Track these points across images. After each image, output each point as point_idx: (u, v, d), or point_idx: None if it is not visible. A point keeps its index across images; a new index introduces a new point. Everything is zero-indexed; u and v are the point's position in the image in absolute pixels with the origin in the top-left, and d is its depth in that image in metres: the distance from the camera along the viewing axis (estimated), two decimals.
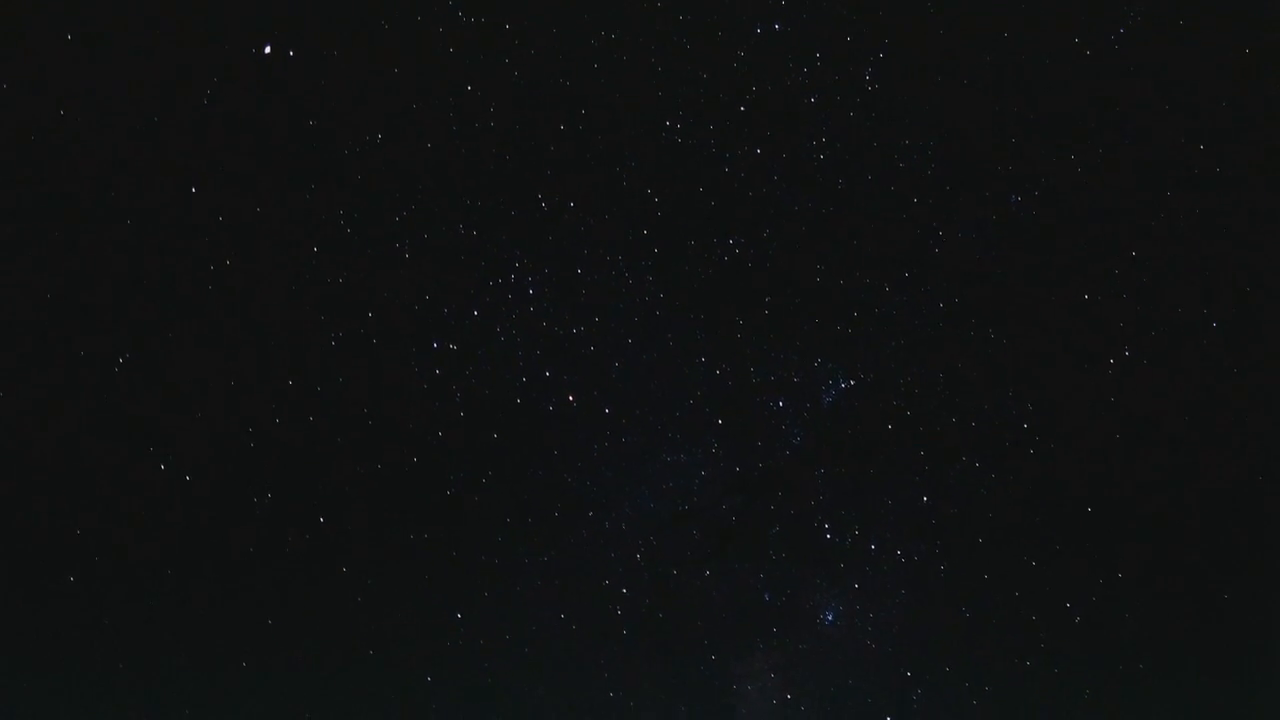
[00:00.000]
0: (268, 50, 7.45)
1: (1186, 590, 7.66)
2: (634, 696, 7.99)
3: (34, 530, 7.80)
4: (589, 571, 7.97)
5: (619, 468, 7.94)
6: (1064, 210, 7.58)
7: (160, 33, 7.47)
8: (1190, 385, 7.52)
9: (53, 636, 7.89)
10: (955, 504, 7.76)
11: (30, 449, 7.72)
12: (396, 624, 7.97)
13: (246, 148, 7.64)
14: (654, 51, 7.61)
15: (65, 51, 7.44)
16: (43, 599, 7.85)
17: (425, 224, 7.73)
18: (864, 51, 7.58)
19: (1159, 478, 7.59)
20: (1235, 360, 7.48)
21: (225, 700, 7.92)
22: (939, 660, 7.85)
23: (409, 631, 7.99)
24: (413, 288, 7.78)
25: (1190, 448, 7.54)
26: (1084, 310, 7.58)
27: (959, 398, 7.70)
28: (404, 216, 7.71)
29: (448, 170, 7.72)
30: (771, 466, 7.88)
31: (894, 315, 7.78)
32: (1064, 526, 7.65)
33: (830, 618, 8.00)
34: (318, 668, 7.96)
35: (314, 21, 7.53)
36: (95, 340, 7.67)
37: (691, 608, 7.99)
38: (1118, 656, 7.69)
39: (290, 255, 7.72)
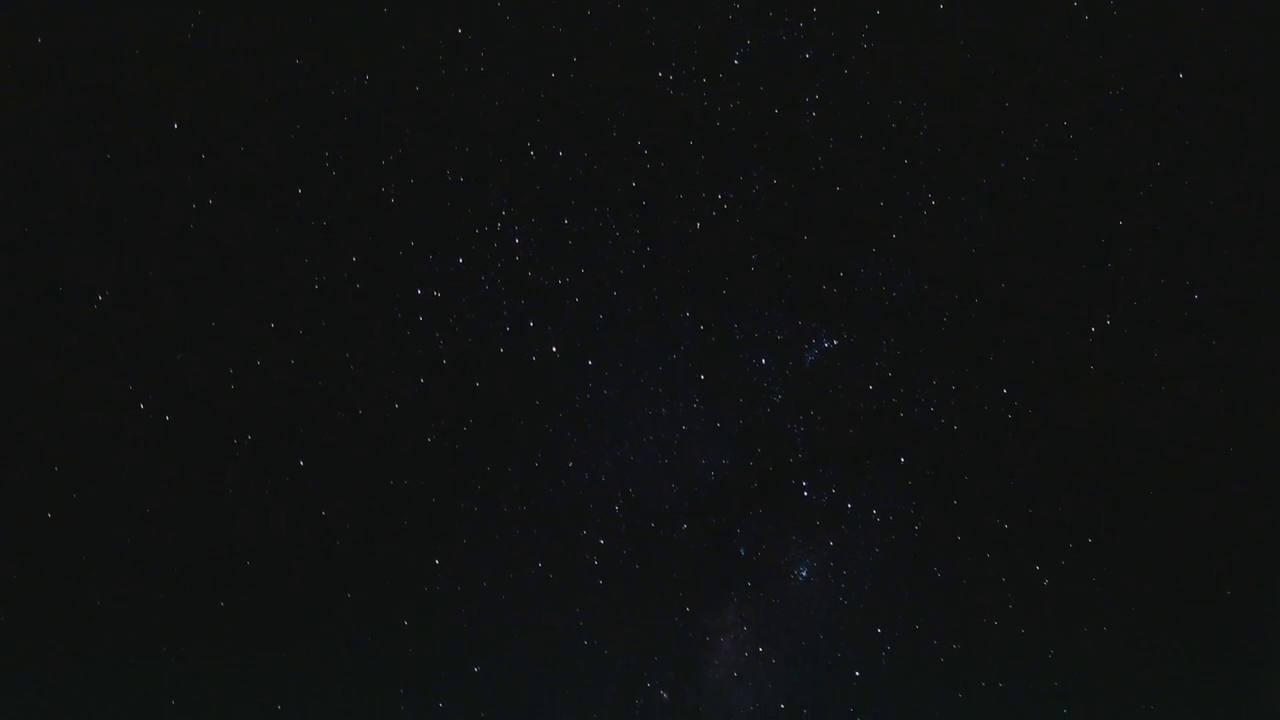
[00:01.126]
0: None
1: (1156, 551, 7.80)
2: (608, 646, 8.09)
3: None
4: (567, 522, 8.02)
5: (600, 420, 7.96)
6: (1054, 178, 7.59)
7: None
8: (1173, 351, 7.59)
9: None
10: (932, 466, 7.86)
11: None
12: (373, 570, 8.01)
13: (226, 87, 7.54)
14: (646, 1, 7.54)
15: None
16: None
17: (411, 170, 7.66)
18: (859, 9, 7.52)
19: (1134, 440, 7.70)
20: (1212, 326, 7.57)
21: (201, 638, 7.96)
22: (909, 619, 7.99)
23: (386, 577, 8.03)
24: (397, 233, 7.72)
25: (1167, 408, 7.64)
26: (1068, 277, 7.63)
27: (941, 361, 7.76)
28: (390, 162, 7.63)
29: (435, 117, 7.64)
30: (752, 423, 7.94)
31: (880, 277, 7.80)
32: (1037, 490, 7.77)
33: (804, 574, 8.11)
34: (294, 609, 8.00)
35: None
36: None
37: (667, 560, 8.07)
38: (1084, 618, 7.84)
39: (274, 199, 7.64)
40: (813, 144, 7.67)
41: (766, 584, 8.10)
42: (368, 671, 8.04)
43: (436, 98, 7.62)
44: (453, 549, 8.00)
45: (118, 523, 7.79)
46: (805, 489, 7.98)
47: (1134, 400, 7.67)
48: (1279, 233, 7.48)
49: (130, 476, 7.78)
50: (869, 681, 7.99)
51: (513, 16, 7.53)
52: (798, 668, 8.10)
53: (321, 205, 7.65)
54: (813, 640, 8.06)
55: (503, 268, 7.77)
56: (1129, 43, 7.45)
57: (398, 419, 7.87)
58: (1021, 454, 7.76)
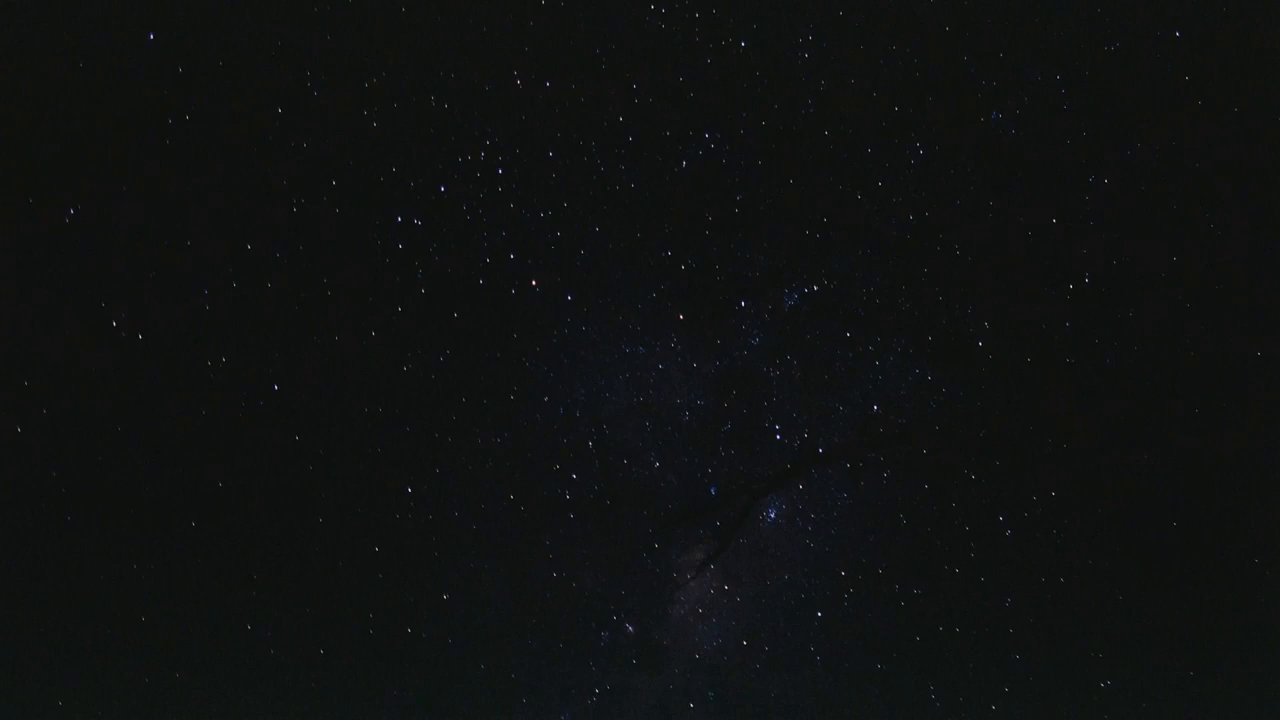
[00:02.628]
0: None
1: (1118, 496, 7.90)
2: (576, 578, 8.20)
3: None
4: (541, 455, 8.06)
5: (577, 355, 7.97)
6: (1044, 130, 7.54)
7: None
8: (1155, 313, 7.61)
9: None
10: (904, 415, 7.92)
11: None
12: (345, 498, 8.03)
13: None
14: None
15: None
16: None
17: (395, 95, 7.53)
18: None
19: (1100, 396, 7.76)
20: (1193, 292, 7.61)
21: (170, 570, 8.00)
22: (873, 563, 8.12)
23: (357, 504, 8.06)
24: (379, 158, 7.61)
25: (1142, 369, 7.69)
26: (1050, 231, 7.62)
27: (919, 311, 7.78)
28: (374, 85, 7.49)
29: (420, 43, 7.49)
30: (728, 365, 7.96)
31: (863, 225, 7.77)
32: (1007, 442, 7.84)
33: (772, 515, 8.22)
34: (266, 534, 8.04)
35: None
36: None
37: (638, 497, 8.15)
38: (1045, 565, 7.97)
39: (255, 121, 7.50)
40: (802, 86, 7.58)
41: (735, 524, 8.20)
42: (336, 596, 8.11)
43: (422, 22, 7.46)
44: (425, 478, 8.03)
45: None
46: (778, 432, 8.05)
47: (1111, 353, 7.71)
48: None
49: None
50: (830, 622, 8.14)
51: None
52: (761, 607, 8.25)
53: (304, 128, 7.51)
54: (778, 581, 8.20)
55: (485, 198, 7.69)
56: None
57: (373, 346, 7.84)
58: (995, 406, 7.82)
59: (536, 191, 7.70)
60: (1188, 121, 7.44)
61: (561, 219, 7.75)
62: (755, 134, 7.66)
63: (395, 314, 7.81)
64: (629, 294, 7.89)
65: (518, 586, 8.19)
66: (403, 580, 8.10)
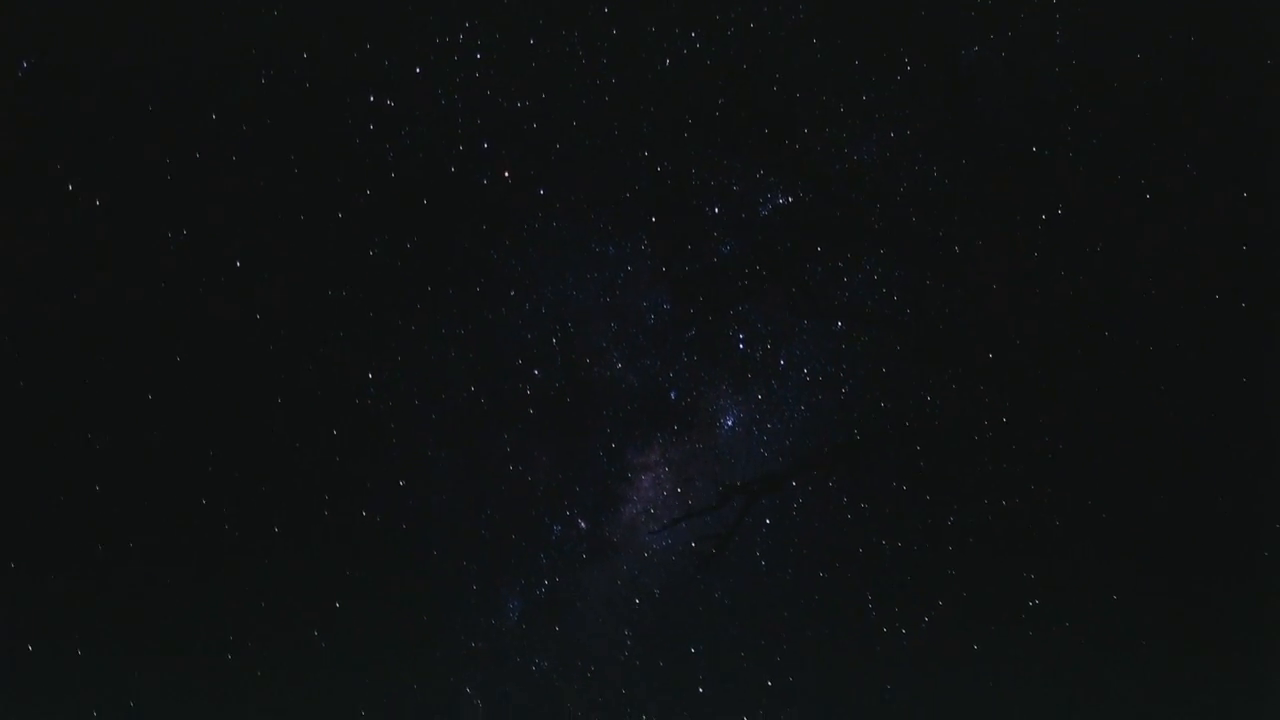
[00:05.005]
0: None
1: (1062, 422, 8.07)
2: (532, 472, 8.29)
3: None
4: (504, 349, 8.05)
5: (546, 250, 7.89)
6: (1030, 62, 7.47)
7: None
8: (1142, 275, 7.61)
9: None
10: (867, 331, 7.99)
11: None
12: (304, 376, 7.98)
13: None
14: None
15: None
16: None
17: None
18: None
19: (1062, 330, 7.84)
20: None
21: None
22: (824, 475, 8.27)
23: (317, 385, 8.01)
24: (351, 35, 7.35)
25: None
26: (1033, 159, 7.59)
27: (893, 229, 7.77)
28: None
29: None
30: (697, 271, 7.94)
31: (844, 138, 7.70)
32: (967, 363, 7.92)
33: (730, 423, 8.33)
34: (228, 405, 8.00)
35: None
36: None
37: (598, 396, 8.20)
38: (1000, 488, 8.10)
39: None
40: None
41: (692, 429, 8.31)
42: (290, 476, 8.12)
43: None
44: (385, 364, 7.99)
45: None
46: (741, 341, 8.10)
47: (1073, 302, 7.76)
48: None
49: None
50: (778, 531, 8.34)
51: None
52: (712, 512, 8.39)
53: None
54: (730, 486, 8.33)
55: (461, 82, 7.48)
56: None
57: (338, 229, 7.69)
58: (957, 327, 7.88)
59: (514, 80, 7.51)
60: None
61: (538, 110, 7.58)
62: (741, 35, 7.49)
63: (362, 197, 7.66)
64: (602, 192, 7.79)
65: (473, 477, 8.28)
66: (359, 465, 8.12)
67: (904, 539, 8.23)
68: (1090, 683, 8.07)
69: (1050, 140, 7.50)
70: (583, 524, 8.40)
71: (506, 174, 7.68)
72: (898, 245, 7.83)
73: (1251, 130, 7.31)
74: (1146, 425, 7.62)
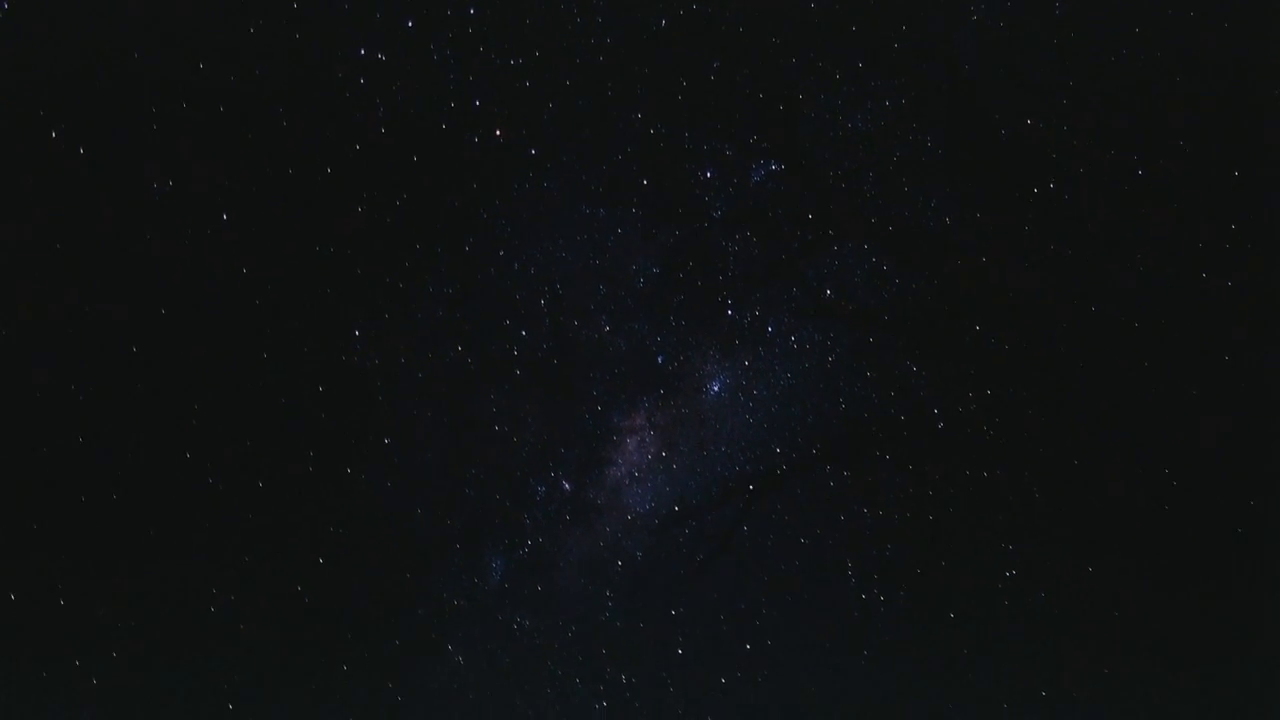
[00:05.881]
0: None
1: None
2: (518, 432, 8.30)
3: None
4: (491, 310, 8.02)
5: (536, 211, 7.85)
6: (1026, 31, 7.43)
7: None
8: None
9: None
10: (855, 300, 7.99)
11: None
12: (290, 331, 7.93)
13: None
14: None
15: None
16: None
17: None
18: None
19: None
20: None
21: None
22: (808, 441, 8.34)
23: (303, 340, 7.98)
24: None
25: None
26: (1018, 123, 7.57)
27: (884, 197, 7.76)
28: None
29: None
30: (688, 235, 7.91)
31: (839, 105, 7.66)
32: (955, 331, 7.94)
33: (716, 388, 8.35)
34: (213, 359, 7.96)
35: None
36: None
37: (585, 359, 8.20)
38: (984, 456, 8.17)
39: None
40: None
41: (678, 393, 8.34)
42: (274, 433, 8.10)
43: None
44: (374, 321, 7.96)
45: None
46: (730, 307, 8.10)
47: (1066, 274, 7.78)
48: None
49: None
50: (762, 495, 8.40)
51: None
52: (696, 476, 8.46)
53: None
54: (715, 452, 8.40)
55: (455, 38, 7.37)
56: None
57: (329, 187, 7.61)
58: (947, 294, 7.89)
59: (508, 36, 7.40)
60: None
61: (532, 69, 7.49)
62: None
63: (353, 153, 7.57)
64: (594, 154, 7.74)
65: (459, 436, 8.29)
66: (344, 422, 8.11)
67: (886, 509, 8.32)
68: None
69: (1043, 107, 7.49)
70: (567, 485, 8.46)
71: (498, 132, 7.60)
72: (888, 217, 7.81)
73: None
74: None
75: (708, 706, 8.55)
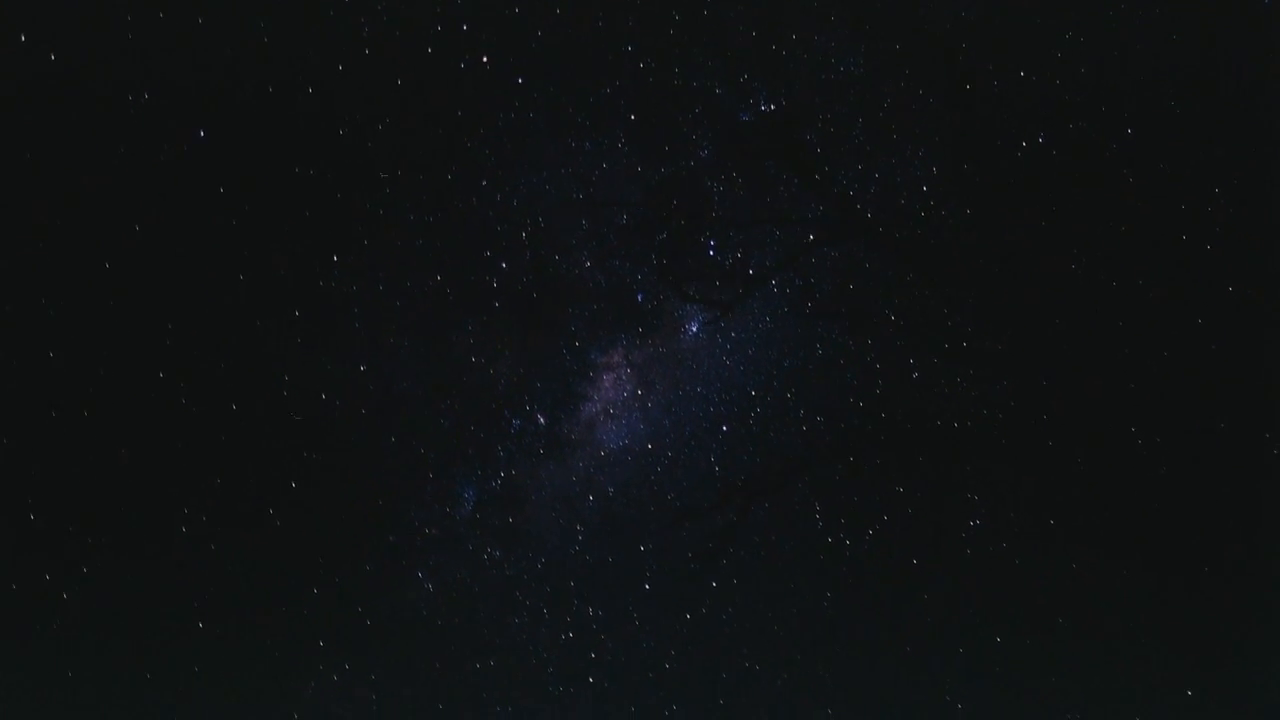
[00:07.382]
0: None
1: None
2: (494, 364, 8.28)
3: None
4: (472, 240, 7.94)
5: (521, 141, 7.74)
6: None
7: None
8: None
9: None
10: (838, 244, 7.99)
11: None
12: (268, 257, 7.82)
13: None
14: None
15: None
16: None
17: None
18: None
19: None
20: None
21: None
22: (784, 385, 8.38)
23: (280, 265, 7.87)
24: None
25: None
26: (1009, 86, 7.52)
27: (871, 144, 7.72)
28: None
29: None
30: (673, 173, 7.84)
31: (832, 46, 7.57)
32: (936, 284, 7.97)
33: (694, 329, 8.36)
34: (192, 281, 7.86)
35: None
36: None
37: (564, 293, 8.16)
38: (961, 411, 8.24)
39: None
40: None
41: (657, 332, 8.34)
42: (250, 356, 8.04)
43: None
44: (352, 247, 7.86)
45: None
46: (712, 247, 8.07)
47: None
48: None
49: None
50: (734, 437, 8.48)
51: None
52: (670, 414, 8.51)
53: None
54: (690, 392, 8.43)
55: None
56: None
57: (310, 106, 7.45)
58: (929, 252, 7.90)
59: None
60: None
61: None
62: None
63: (334, 74, 7.40)
64: (582, 85, 7.62)
65: (435, 366, 8.26)
66: (321, 347, 8.06)
67: (854, 454, 8.40)
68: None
69: (1040, 63, 7.45)
70: (541, 419, 8.48)
71: (485, 59, 7.46)
72: (876, 160, 7.79)
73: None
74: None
75: (673, 641, 8.72)
